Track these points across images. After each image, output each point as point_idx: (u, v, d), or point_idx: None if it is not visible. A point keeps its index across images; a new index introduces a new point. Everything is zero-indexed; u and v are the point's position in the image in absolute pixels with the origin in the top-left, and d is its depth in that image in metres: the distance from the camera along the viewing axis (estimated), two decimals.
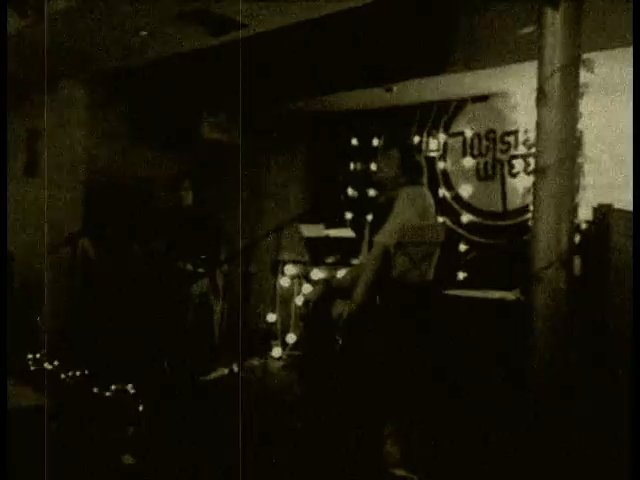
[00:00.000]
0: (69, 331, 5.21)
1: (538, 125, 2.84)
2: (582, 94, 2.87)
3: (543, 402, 2.74)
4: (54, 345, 5.01)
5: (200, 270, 4.92)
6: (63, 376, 4.32)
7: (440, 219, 4.87)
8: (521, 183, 4.91)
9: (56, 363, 4.57)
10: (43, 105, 5.79)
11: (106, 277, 5.31)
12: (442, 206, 5.15)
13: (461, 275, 5.04)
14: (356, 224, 5.43)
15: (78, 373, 4.31)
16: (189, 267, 4.93)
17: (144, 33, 4.52)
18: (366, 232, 3.83)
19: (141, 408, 3.66)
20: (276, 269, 5.42)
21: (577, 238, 2.86)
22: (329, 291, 3.65)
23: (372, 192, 5.67)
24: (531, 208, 2.93)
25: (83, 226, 5.69)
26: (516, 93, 4.92)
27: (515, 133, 5.00)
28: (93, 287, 5.33)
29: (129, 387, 3.94)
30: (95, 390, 3.97)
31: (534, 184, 2.85)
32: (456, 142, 5.35)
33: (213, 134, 6.24)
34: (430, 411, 3.29)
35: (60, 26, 4.43)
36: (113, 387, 3.95)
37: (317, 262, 5.11)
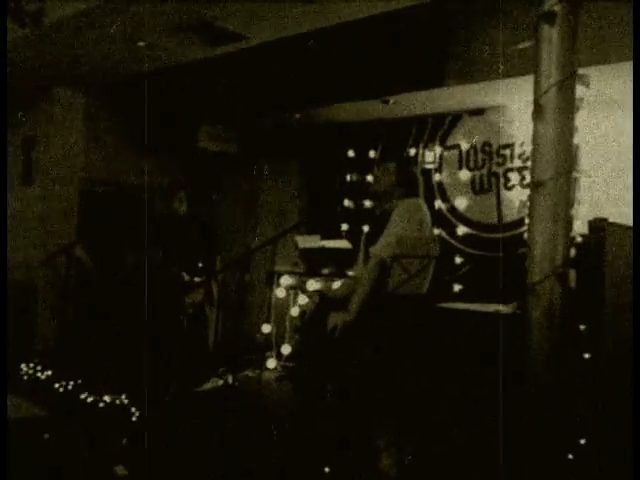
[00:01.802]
0: (63, 341, 5.20)
1: (534, 138, 2.85)
2: (578, 108, 2.89)
3: (539, 414, 2.74)
4: (48, 355, 4.99)
5: (195, 280, 4.91)
6: (56, 386, 4.30)
7: (436, 231, 4.88)
8: (517, 196, 4.92)
9: (49, 373, 4.55)
10: (39, 114, 5.81)
11: (101, 285, 5.30)
12: (438, 218, 5.16)
13: (457, 288, 5.04)
14: (352, 235, 5.43)
15: (72, 383, 4.28)
16: (184, 276, 4.91)
17: (142, 43, 4.54)
18: (362, 244, 3.83)
19: (135, 418, 3.65)
20: (272, 280, 5.41)
21: (572, 251, 2.86)
22: (324, 302, 3.64)
23: (368, 204, 5.68)
24: (527, 221, 2.94)
25: (78, 234, 5.68)
26: (512, 107, 4.95)
27: (511, 146, 5.01)
28: (88, 295, 5.32)
29: (123, 397, 3.92)
30: (89, 400, 3.95)
31: (530, 197, 2.86)
32: (452, 155, 5.36)
33: (210, 144, 6.25)
34: (425, 423, 3.28)
35: (58, 36, 4.45)
36: (107, 397, 3.93)
37: (313, 273, 5.11)
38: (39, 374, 4.57)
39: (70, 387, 4.25)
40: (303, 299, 5.22)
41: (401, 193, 3.64)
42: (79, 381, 4.29)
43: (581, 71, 2.86)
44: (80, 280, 5.29)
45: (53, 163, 5.72)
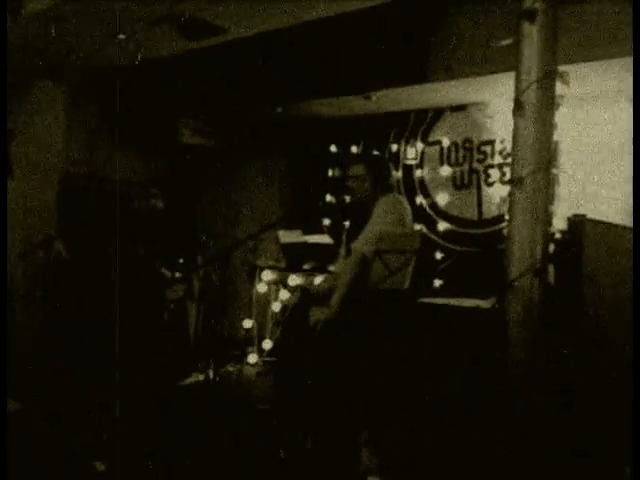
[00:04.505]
0: (42, 336, 5.14)
1: (514, 135, 2.87)
2: (558, 105, 2.92)
3: (517, 409, 2.76)
4: (26, 350, 4.94)
5: (176, 275, 4.88)
6: (35, 382, 4.25)
7: (417, 227, 4.90)
8: (497, 192, 4.96)
9: (28, 368, 4.50)
10: (19, 106, 5.73)
11: (80, 280, 5.25)
12: (419, 214, 5.18)
13: (437, 283, 5.07)
14: (334, 231, 5.43)
15: (51, 379, 4.24)
16: (165, 271, 4.89)
17: (122, 36, 4.50)
18: (343, 239, 3.84)
19: (115, 414, 3.62)
20: (253, 275, 5.39)
21: (551, 247, 2.89)
22: (306, 298, 3.64)
23: (350, 199, 5.67)
24: (506, 217, 2.97)
25: (58, 228, 5.62)
26: (494, 103, 4.98)
27: (492, 143, 5.04)
28: (67, 289, 5.27)
29: (103, 392, 3.90)
30: (69, 395, 3.93)
31: (509, 193, 2.88)
32: (433, 151, 5.38)
33: (191, 138, 6.22)
34: (405, 418, 3.29)
35: (37, 28, 4.39)
36: (87, 393, 3.91)
37: (294, 268, 5.11)
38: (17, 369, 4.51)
39: (49, 382, 4.21)
40: (285, 294, 5.21)
41: (382, 188, 3.65)
42: (58, 376, 4.25)
43: (561, 68, 2.89)
44: (59, 274, 5.24)
45: (33, 156, 5.65)
